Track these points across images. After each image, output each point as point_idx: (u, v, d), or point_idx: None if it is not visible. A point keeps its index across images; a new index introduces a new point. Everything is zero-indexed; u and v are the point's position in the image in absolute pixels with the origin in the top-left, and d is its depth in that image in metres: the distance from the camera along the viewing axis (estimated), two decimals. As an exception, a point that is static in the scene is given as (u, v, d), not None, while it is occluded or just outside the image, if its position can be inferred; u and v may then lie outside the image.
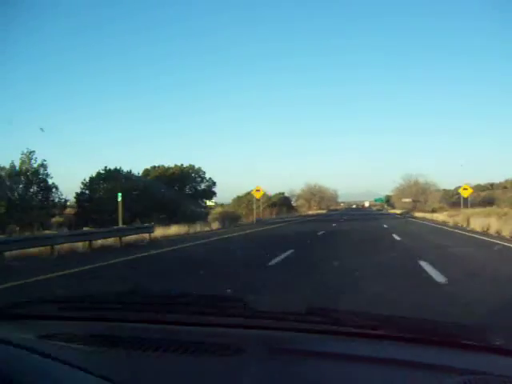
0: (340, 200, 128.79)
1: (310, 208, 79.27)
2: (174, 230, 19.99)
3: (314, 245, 13.71)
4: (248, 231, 21.81)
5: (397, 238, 15.45)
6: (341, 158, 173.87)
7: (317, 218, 41.80)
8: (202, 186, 34.93)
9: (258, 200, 33.99)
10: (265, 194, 37.45)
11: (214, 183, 35.65)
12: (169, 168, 33.55)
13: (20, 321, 1.39)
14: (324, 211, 79.57)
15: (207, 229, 23.17)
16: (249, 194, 38.20)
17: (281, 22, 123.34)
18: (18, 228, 17.76)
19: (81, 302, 1.60)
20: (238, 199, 44.79)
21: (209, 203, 36.01)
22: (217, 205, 39.17)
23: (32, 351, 0.88)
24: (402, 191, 62.54)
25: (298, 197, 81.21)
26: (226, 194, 70.26)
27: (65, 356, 0.92)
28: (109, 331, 1.26)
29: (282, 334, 1.26)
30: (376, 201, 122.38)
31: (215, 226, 24.67)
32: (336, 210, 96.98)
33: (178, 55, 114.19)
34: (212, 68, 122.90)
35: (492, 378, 0.95)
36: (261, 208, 36.97)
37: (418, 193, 57.91)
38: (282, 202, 55.55)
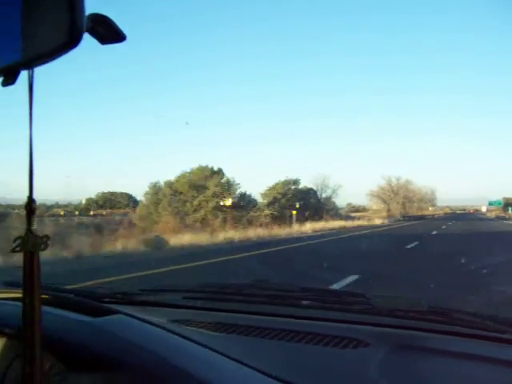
0: (440, 204, 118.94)
1: (381, 214, 58.90)
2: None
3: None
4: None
5: None
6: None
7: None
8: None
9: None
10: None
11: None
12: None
13: (146, 307, 1.43)
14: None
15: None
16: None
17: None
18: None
19: (203, 291, 1.68)
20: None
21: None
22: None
23: (171, 332, 0.99)
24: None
25: (373, 195, 69.18)
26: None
27: (199, 338, 0.99)
28: (232, 321, 1.29)
29: (403, 332, 1.25)
30: (491, 204, 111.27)
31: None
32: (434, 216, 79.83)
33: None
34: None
35: None
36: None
37: None
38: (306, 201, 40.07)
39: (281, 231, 23.64)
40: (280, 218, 31.44)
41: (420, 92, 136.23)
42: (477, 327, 1.22)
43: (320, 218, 35.49)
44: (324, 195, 44.91)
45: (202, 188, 31.33)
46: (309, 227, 27.53)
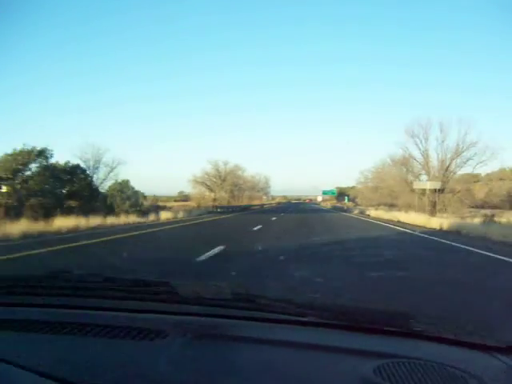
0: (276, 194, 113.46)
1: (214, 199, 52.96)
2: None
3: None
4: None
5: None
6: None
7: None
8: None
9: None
10: None
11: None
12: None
13: None
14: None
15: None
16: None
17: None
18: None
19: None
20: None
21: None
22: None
23: None
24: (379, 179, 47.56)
25: (196, 182, 57.20)
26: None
27: None
28: (26, 316, 1.27)
29: (206, 320, 1.26)
30: (325, 194, 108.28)
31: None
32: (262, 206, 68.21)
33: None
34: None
35: (409, 361, 1.01)
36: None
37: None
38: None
39: None
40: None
41: (256, 85, 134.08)
42: (281, 312, 1.27)
43: (90, 212, 20.28)
44: (100, 177, 30.29)
45: None
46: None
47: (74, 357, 1.02)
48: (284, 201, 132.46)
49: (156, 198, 59.64)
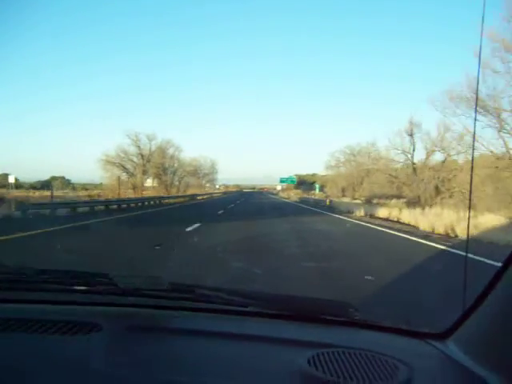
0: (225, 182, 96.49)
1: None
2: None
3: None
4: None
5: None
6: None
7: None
8: None
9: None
10: None
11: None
12: None
13: None
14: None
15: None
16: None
17: None
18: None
19: None
20: None
21: None
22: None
23: None
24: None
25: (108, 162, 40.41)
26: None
27: None
28: None
29: (144, 311, 1.25)
30: (283, 182, 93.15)
31: None
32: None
33: None
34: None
35: (344, 350, 1.02)
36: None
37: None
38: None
39: None
40: None
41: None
42: (220, 302, 1.24)
43: None
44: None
45: None
46: None
47: (11, 355, 0.97)
48: (234, 190, 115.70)
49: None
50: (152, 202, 30.19)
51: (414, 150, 27.24)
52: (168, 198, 36.29)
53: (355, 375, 0.91)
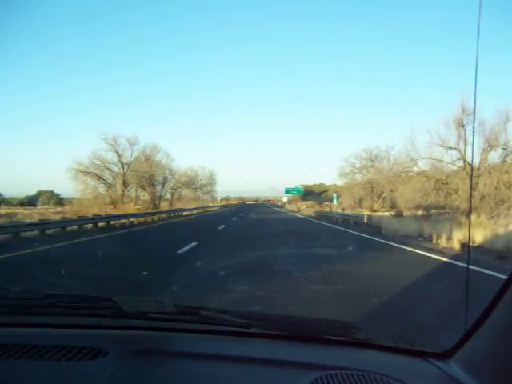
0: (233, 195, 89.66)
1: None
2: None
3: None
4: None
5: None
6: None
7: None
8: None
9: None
10: None
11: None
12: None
13: None
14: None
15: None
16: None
17: None
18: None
19: None
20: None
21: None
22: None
23: None
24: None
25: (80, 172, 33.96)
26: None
27: None
28: None
29: (149, 334, 1.24)
30: (288, 192, 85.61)
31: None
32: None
33: None
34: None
35: (347, 372, 1.02)
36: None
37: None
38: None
39: None
40: None
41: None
42: (225, 324, 1.24)
43: None
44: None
45: None
46: None
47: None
48: (235, 202, 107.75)
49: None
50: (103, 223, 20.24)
51: (471, 145, 20.43)
52: (132, 215, 24.92)
53: None
